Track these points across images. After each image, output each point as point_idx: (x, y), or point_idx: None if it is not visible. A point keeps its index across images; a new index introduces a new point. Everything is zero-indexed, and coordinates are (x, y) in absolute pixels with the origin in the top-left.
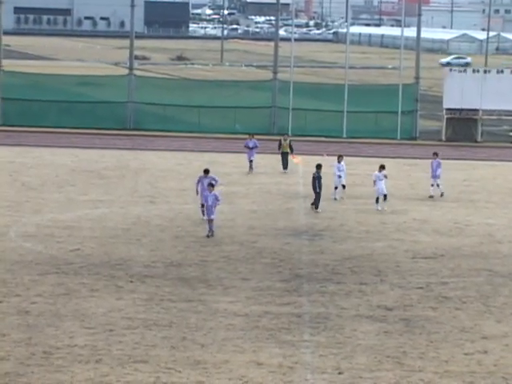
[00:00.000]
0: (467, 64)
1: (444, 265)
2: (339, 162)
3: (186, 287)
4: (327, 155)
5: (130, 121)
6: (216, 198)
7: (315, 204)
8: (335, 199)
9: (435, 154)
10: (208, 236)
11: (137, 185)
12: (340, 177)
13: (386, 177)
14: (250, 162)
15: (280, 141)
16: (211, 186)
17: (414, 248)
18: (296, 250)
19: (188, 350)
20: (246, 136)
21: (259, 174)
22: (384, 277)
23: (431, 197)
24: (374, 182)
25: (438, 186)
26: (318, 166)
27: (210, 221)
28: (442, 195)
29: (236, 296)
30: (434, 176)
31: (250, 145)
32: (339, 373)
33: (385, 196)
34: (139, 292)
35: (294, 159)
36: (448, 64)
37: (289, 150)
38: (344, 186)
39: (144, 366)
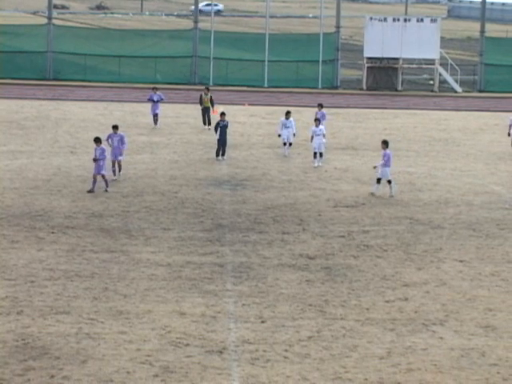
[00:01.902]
0: (219, 11)
1: (365, 213)
2: (287, 118)
3: (107, 238)
4: (249, 104)
5: (50, 71)
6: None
7: (219, 152)
8: (285, 156)
9: (320, 106)
10: (90, 191)
11: (57, 135)
12: (280, 135)
13: (324, 136)
14: (155, 115)
15: (201, 95)
16: (97, 140)
17: (336, 197)
18: (218, 199)
19: (110, 300)
20: (168, 86)
21: (180, 124)
22: (306, 226)
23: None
24: (312, 137)
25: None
26: (222, 114)
27: (95, 175)
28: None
29: (158, 246)
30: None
31: (155, 98)
32: (262, 321)
33: (321, 154)
34: (60, 243)
35: (214, 114)
36: (200, 11)
37: (210, 105)
38: (290, 144)
39: (66, 317)
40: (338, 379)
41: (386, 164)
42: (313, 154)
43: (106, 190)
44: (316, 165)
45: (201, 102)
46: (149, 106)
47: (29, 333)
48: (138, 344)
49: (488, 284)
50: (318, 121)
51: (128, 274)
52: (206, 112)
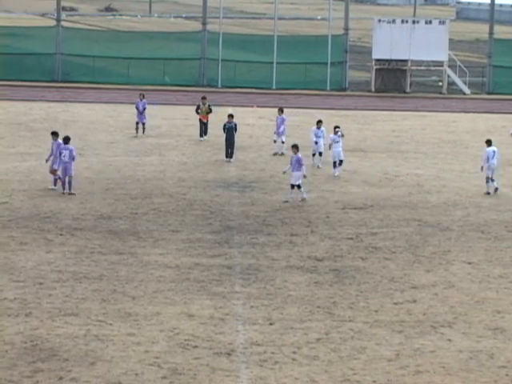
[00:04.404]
0: None
1: (373, 215)
2: (318, 127)
3: (116, 240)
4: (257, 106)
5: (59, 73)
6: (71, 153)
7: (227, 154)
8: (318, 167)
9: (280, 110)
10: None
11: None
12: (317, 143)
13: (342, 135)
14: (142, 124)
15: (198, 105)
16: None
17: (344, 199)
18: (226, 201)
19: (119, 302)
20: (176, 88)
21: (188, 126)
22: (314, 228)
23: (275, 154)
24: (330, 145)
25: (282, 142)
26: (229, 116)
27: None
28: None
29: (166, 248)
30: (278, 132)
31: (140, 107)
32: (270, 323)
33: (340, 161)
34: (69, 245)
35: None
36: None
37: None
38: (321, 154)
39: (74, 319)
40: (346, 381)
41: (296, 168)
42: (332, 163)
43: (53, 188)
44: (337, 174)
45: (197, 112)
46: (151, 109)
47: (37, 335)
48: (146, 346)
49: (496, 286)
50: (337, 128)
51: (136, 276)
52: (202, 122)
